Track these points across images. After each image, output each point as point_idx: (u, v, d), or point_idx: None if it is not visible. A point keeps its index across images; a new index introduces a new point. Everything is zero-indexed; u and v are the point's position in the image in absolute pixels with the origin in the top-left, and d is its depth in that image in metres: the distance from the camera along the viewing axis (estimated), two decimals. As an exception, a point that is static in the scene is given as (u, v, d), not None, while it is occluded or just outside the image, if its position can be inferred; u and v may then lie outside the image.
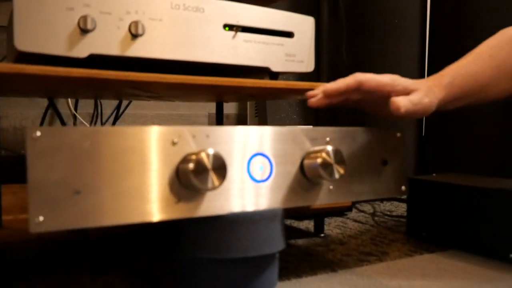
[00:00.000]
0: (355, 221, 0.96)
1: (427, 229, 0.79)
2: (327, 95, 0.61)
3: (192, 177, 0.46)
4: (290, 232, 0.85)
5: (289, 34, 0.75)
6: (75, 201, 0.42)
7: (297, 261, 0.67)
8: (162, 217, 0.46)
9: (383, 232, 0.86)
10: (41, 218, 0.41)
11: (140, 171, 0.46)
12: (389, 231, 0.87)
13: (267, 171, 0.53)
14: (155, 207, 0.46)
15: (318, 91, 0.62)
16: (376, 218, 0.98)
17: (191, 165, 0.46)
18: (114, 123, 1.32)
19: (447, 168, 1.50)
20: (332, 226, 0.91)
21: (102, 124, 1.34)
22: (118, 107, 1.34)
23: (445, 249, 0.74)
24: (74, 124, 1.31)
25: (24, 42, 0.56)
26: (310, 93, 0.63)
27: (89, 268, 0.63)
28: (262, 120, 1.72)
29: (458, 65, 0.67)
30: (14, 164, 1.21)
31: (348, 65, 1.50)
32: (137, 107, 1.51)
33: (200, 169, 0.46)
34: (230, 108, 1.74)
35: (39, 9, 0.57)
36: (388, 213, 1.02)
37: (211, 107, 1.52)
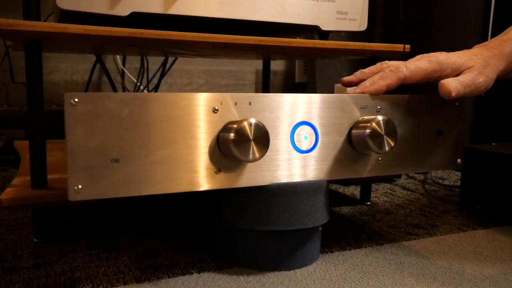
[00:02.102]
0: (404, 188, 0.92)
1: (482, 202, 0.74)
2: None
3: (232, 147, 0.44)
4: (335, 199, 0.83)
5: (341, -10, 0.70)
6: (113, 169, 0.42)
7: (341, 231, 0.65)
8: (202, 187, 0.45)
9: (433, 202, 0.82)
10: (80, 186, 0.40)
11: (180, 140, 0.44)
12: (440, 202, 0.82)
13: (312, 141, 0.50)
14: (194, 176, 0.45)
15: (355, 80, 0.57)
16: (426, 186, 0.94)
17: (232, 135, 0.44)
18: (160, 79, 1.32)
19: (508, 136, 1.42)
20: (379, 193, 0.88)
21: (149, 79, 1.34)
22: (164, 63, 1.33)
23: (500, 224, 0.69)
24: (122, 78, 1.31)
25: (66, 0, 0.55)
26: (345, 79, 0.59)
27: (130, 230, 0.63)
28: (310, 77, 1.67)
29: None
30: (63, 119, 1.24)
31: (405, 24, 1.40)
32: (183, 62, 1.49)
33: (241, 139, 0.44)
34: (277, 64, 1.70)
35: (80, -35, 0.54)
36: (440, 181, 0.98)
37: (259, 63, 1.48)
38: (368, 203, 0.80)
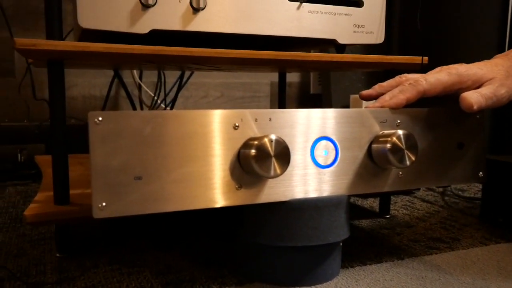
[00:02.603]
0: (424, 200, 0.91)
1: (505, 215, 0.73)
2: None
3: (253, 163, 0.44)
4: (353, 212, 0.83)
5: (358, 3, 0.70)
6: (136, 187, 0.42)
7: (361, 246, 0.64)
8: (223, 203, 0.45)
9: (454, 215, 0.81)
10: (103, 204, 0.41)
11: (201, 156, 0.44)
12: (461, 214, 0.82)
13: (332, 156, 0.50)
14: (216, 193, 0.45)
15: (374, 93, 0.57)
16: (446, 198, 0.93)
17: (253, 151, 0.44)
18: (177, 92, 1.33)
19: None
20: (398, 205, 0.87)
21: (166, 93, 1.35)
22: (181, 76, 1.34)
23: (524, 237, 0.69)
24: (140, 92, 1.32)
25: (87, 19, 0.56)
26: (363, 93, 0.59)
27: (152, 245, 0.64)
28: (325, 88, 1.67)
29: None
30: (83, 133, 1.26)
31: (423, 37, 1.41)
32: (200, 75, 1.51)
33: (262, 155, 0.44)
34: (292, 76, 1.70)
35: (101, -15, 0.56)
36: (460, 193, 0.96)
37: (274, 75, 1.49)
38: (388, 216, 0.80)
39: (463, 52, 1.43)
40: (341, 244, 0.53)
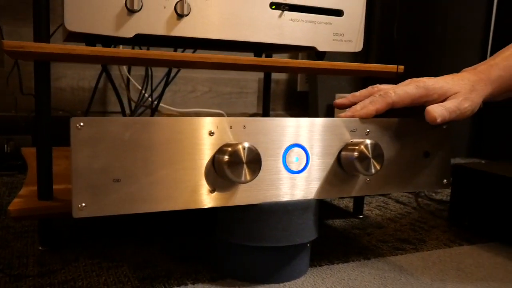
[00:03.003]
0: (397, 201, 0.95)
1: (470, 218, 0.77)
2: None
3: (226, 168, 0.47)
4: (329, 211, 0.86)
5: (338, 13, 0.73)
6: (115, 188, 0.45)
7: (331, 245, 0.68)
8: (197, 205, 0.48)
9: (424, 217, 0.85)
10: (83, 204, 0.44)
11: (177, 161, 0.47)
12: (431, 216, 0.85)
13: (303, 162, 0.53)
14: (190, 195, 0.48)
15: (347, 102, 0.61)
16: (419, 199, 0.97)
17: (226, 157, 0.47)
18: (165, 87, 1.35)
19: (503, 151, 1.45)
20: (372, 206, 0.91)
21: (153, 87, 1.37)
22: (169, 72, 1.36)
23: (486, 241, 0.72)
24: (127, 86, 1.34)
25: (74, 23, 0.58)
26: (337, 102, 0.62)
27: (132, 240, 0.66)
28: (312, 86, 1.70)
29: None
30: (69, 126, 1.27)
31: (401, 45, 1.47)
32: (188, 70, 1.53)
33: (235, 161, 0.47)
34: (280, 73, 1.73)
35: (88, -10, 0.58)
36: (433, 195, 1.00)
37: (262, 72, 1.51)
38: (361, 216, 0.83)
39: (437, 61, 1.50)
40: (309, 245, 0.56)
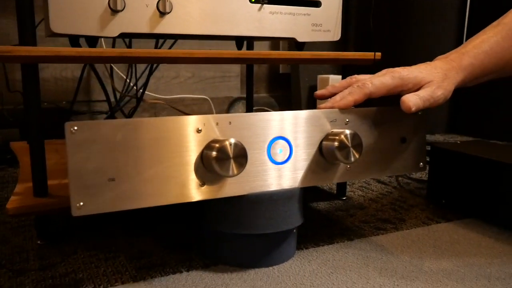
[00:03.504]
0: (379, 181, 0.99)
1: (447, 197, 0.81)
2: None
3: (214, 163, 0.50)
4: (313, 194, 0.90)
5: (316, 4, 0.75)
6: (110, 187, 0.47)
7: (316, 228, 0.71)
8: (188, 199, 0.51)
9: (404, 196, 0.89)
10: (81, 203, 0.46)
11: (168, 158, 0.50)
12: (411, 195, 0.90)
13: (287, 154, 0.56)
14: (181, 190, 0.51)
15: (327, 93, 0.63)
16: (400, 178, 1.01)
17: (214, 153, 0.50)
18: (149, 76, 1.36)
19: (480, 127, 1.51)
20: (355, 187, 0.95)
21: (137, 76, 1.38)
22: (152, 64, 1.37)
23: (462, 217, 0.77)
24: (111, 75, 1.35)
25: (59, 25, 0.60)
26: (317, 93, 0.65)
27: (126, 232, 0.69)
28: (294, 68, 1.72)
29: (482, 39, 0.66)
30: (56, 116, 1.28)
31: (378, 33, 1.52)
32: (170, 57, 1.54)
33: (222, 157, 0.50)
34: (262, 56, 1.75)
35: (72, -9, 0.59)
36: (412, 174, 1.05)
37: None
38: (344, 197, 0.87)
39: (413, 49, 1.55)
40: (295, 230, 0.60)
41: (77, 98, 1.35)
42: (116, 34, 0.63)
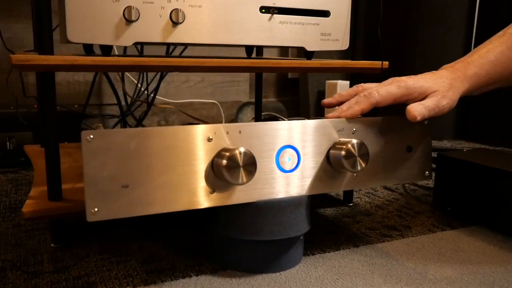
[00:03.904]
0: (385, 188, 1.00)
1: (452, 204, 0.82)
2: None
3: (224, 171, 0.51)
4: (321, 200, 0.91)
5: (325, 13, 0.76)
6: (124, 194, 0.49)
7: (323, 234, 0.73)
8: (199, 206, 0.53)
9: (410, 203, 0.90)
10: (96, 209, 0.48)
11: (180, 166, 0.51)
12: (417, 202, 0.91)
13: (295, 162, 0.58)
14: (192, 197, 0.52)
15: (334, 102, 0.65)
16: (406, 185, 1.02)
17: (224, 161, 0.51)
18: (160, 80, 1.38)
19: (489, 133, 1.52)
20: (362, 193, 0.96)
21: (148, 81, 1.40)
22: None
23: (467, 225, 0.77)
24: (122, 80, 1.37)
25: (76, 35, 0.62)
26: (325, 101, 0.66)
27: (137, 236, 0.71)
28: (303, 74, 1.73)
29: (488, 48, 0.67)
30: (68, 120, 1.31)
31: (386, 42, 1.54)
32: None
33: (232, 165, 0.51)
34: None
35: (89, 2, 0.61)
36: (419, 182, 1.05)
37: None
38: (351, 204, 0.88)
39: (419, 59, 1.57)
40: (302, 237, 0.61)
41: (89, 102, 1.37)
42: (130, 43, 0.65)
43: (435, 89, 0.62)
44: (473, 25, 1.59)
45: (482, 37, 0.71)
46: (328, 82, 1.64)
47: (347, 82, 1.55)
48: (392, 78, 0.65)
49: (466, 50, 1.57)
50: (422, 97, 0.62)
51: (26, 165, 1.10)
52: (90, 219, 0.48)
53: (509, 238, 0.72)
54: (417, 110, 0.59)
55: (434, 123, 0.67)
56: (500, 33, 0.69)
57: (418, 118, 0.59)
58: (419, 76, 0.64)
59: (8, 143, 1.11)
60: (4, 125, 1.16)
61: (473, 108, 1.62)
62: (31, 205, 0.62)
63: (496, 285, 0.57)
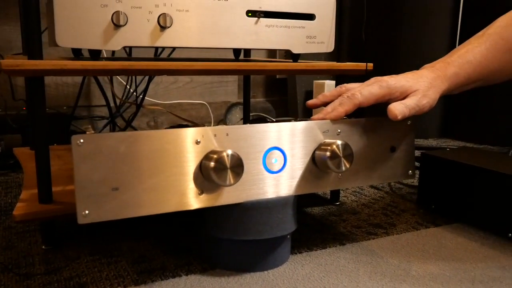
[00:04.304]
0: (372, 186, 1.02)
1: (436, 202, 0.84)
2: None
3: (212, 173, 0.53)
4: (308, 199, 0.92)
5: (310, 17, 0.78)
6: (114, 196, 0.50)
7: (310, 233, 0.74)
8: (188, 207, 0.54)
9: (395, 201, 0.92)
10: (87, 212, 0.49)
11: (168, 168, 0.53)
12: (402, 200, 0.93)
13: (281, 163, 0.59)
14: (182, 198, 0.54)
15: (318, 103, 0.66)
16: (392, 184, 1.04)
17: (212, 163, 0.53)
18: (148, 82, 1.39)
19: (473, 131, 1.54)
20: (348, 192, 0.98)
21: (137, 84, 1.41)
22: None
23: (450, 222, 0.80)
24: (111, 81, 1.38)
25: (64, 39, 0.62)
26: (310, 102, 0.68)
27: (127, 237, 0.72)
28: (291, 75, 1.75)
29: (467, 48, 0.69)
30: (57, 122, 1.31)
31: (371, 44, 1.57)
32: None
33: (220, 167, 0.53)
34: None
35: (77, 8, 0.62)
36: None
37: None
38: (337, 203, 0.90)
39: (403, 59, 1.60)
40: (289, 236, 0.63)
41: (78, 104, 1.38)
42: (118, 48, 0.66)
43: (416, 88, 0.64)
44: (457, 26, 1.62)
45: (466, 38, 0.73)
46: (316, 82, 1.66)
47: (334, 82, 1.57)
48: (374, 78, 0.66)
49: (450, 50, 1.60)
50: (403, 96, 0.64)
51: (16, 167, 1.10)
52: (81, 221, 0.49)
53: (491, 235, 0.74)
54: (398, 109, 0.61)
55: (420, 122, 0.69)
56: (480, 33, 0.71)
57: (399, 117, 0.61)
58: (401, 75, 0.66)
59: (-3, 146, 1.12)
60: (-7, 128, 1.16)
61: (458, 107, 1.65)
62: (22, 208, 0.63)
63: (477, 280, 0.59)
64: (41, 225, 0.68)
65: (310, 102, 0.68)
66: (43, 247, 0.67)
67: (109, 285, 0.57)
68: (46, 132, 0.64)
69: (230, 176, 0.53)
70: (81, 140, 0.49)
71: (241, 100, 1.66)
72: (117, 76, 1.46)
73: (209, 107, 1.65)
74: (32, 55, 0.61)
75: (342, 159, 0.59)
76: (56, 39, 0.62)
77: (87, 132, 1.40)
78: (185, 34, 0.69)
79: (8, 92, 1.22)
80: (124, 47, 0.68)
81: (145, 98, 1.43)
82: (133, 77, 1.41)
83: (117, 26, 0.64)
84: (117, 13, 0.64)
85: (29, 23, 0.61)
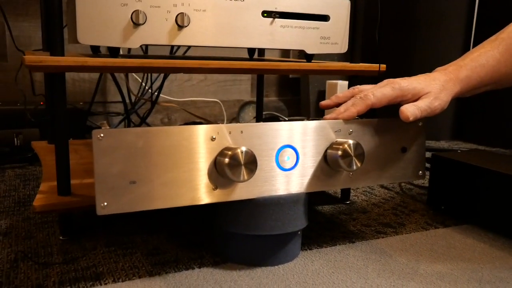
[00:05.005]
0: (382, 186, 1.03)
1: (446, 203, 0.85)
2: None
3: (226, 169, 0.54)
4: (319, 197, 0.94)
5: (324, 18, 0.79)
6: (131, 189, 0.52)
7: (320, 230, 0.76)
8: (202, 201, 0.56)
9: (405, 201, 0.93)
10: (105, 203, 0.51)
11: (184, 164, 0.54)
12: (412, 201, 0.93)
13: (294, 161, 0.61)
14: (196, 193, 0.55)
15: (331, 103, 0.68)
16: (403, 184, 1.05)
17: (226, 160, 0.54)
18: (164, 79, 1.41)
19: (486, 134, 1.54)
20: (359, 191, 0.99)
21: (152, 81, 1.43)
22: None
23: (459, 223, 0.80)
24: (127, 78, 1.40)
25: (85, 37, 0.64)
26: (323, 103, 0.69)
27: (142, 229, 0.74)
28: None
29: (480, 52, 0.69)
30: (74, 117, 1.34)
31: (385, 45, 1.57)
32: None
33: (234, 163, 0.54)
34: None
35: (98, 6, 0.64)
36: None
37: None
38: (348, 202, 0.91)
39: (417, 61, 1.60)
40: (299, 232, 0.64)
41: (94, 99, 1.40)
42: (137, 46, 0.68)
43: (428, 91, 0.65)
44: (472, 29, 1.62)
45: (480, 41, 0.73)
46: (329, 82, 1.67)
47: (347, 82, 1.58)
48: (387, 80, 0.68)
49: (464, 53, 1.60)
50: (415, 98, 0.65)
51: (33, 160, 1.13)
52: (100, 212, 0.51)
53: (500, 237, 0.75)
54: (410, 110, 0.62)
55: (432, 124, 0.70)
56: (493, 37, 0.71)
57: (411, 118, 0.62)
58: (413, 78, 0.67)
59: (15, 139, 1.14)
60: (11, 122, 1.18)
61: (470, 109, 1.65)
62: (41, 199, 0.65)
63: (484, 280, 0.60)
64: (59, 217, 0.71)
65: (323, 103, 0.70)
66: (61, 237, 0.70)
67: (124, 275, 0.59)
68: (66, 127, 0.66)
69: (244, 172, 0.55)
70: (102, 135, 0.50)
71: (254, 99, 1.67)
72: (133, 73, 1.48)
73: (222, 105, 1.67)
74: (54, 51, 0.63)
75: (354, 158, 0.61)
76: (77, 37, 0.64)
77: (102, 128, 1.42)
78: (202, 33, 0.71)
79: (27, 87, 1.25)
80: (142, 45, 0.70)
81: (160, 95, 1.45)
82: (149, 74, 1.43)
83: (136, 24, 0.66)
84: (136, 12, 0.65)
85: (52, 21, 0.63)
